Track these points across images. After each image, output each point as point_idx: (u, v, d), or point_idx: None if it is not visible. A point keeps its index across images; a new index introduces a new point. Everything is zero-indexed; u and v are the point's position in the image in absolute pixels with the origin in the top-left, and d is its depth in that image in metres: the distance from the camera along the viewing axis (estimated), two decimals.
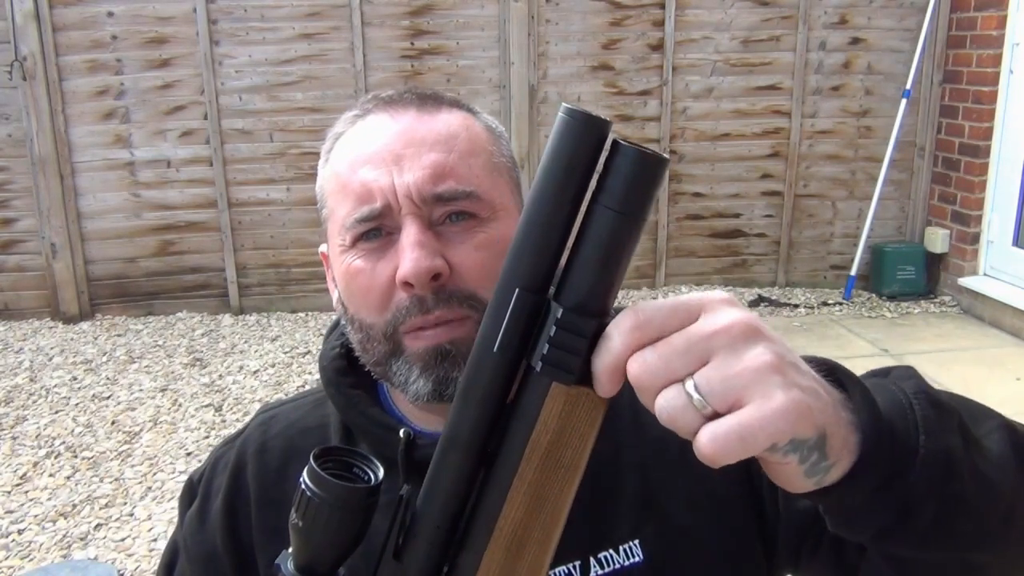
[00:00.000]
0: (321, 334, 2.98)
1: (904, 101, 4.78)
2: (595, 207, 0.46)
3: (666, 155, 0.45)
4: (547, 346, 0.46)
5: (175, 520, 2.99)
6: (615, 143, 0.46)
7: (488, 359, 0.49)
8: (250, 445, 0.84)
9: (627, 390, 0.78)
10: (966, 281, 4.70)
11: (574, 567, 0.71)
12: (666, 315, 0.46)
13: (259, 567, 0.79)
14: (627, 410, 0.75)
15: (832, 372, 0.51)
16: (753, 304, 4.86)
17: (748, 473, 0.73)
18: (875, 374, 0.57)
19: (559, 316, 0.46)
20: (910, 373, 0.54)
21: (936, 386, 0.54)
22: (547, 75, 4.77)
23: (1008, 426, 0.54)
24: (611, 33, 4.75)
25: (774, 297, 4.94)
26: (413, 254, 0.67)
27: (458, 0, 4.64)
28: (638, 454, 0.74)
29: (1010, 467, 0.52)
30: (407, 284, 0.68)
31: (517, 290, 0.47)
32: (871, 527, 0.50)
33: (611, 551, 0.72)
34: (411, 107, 0.74)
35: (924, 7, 4.72)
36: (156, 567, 2.71)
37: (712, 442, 0.43)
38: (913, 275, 4.87)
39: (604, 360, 0.46)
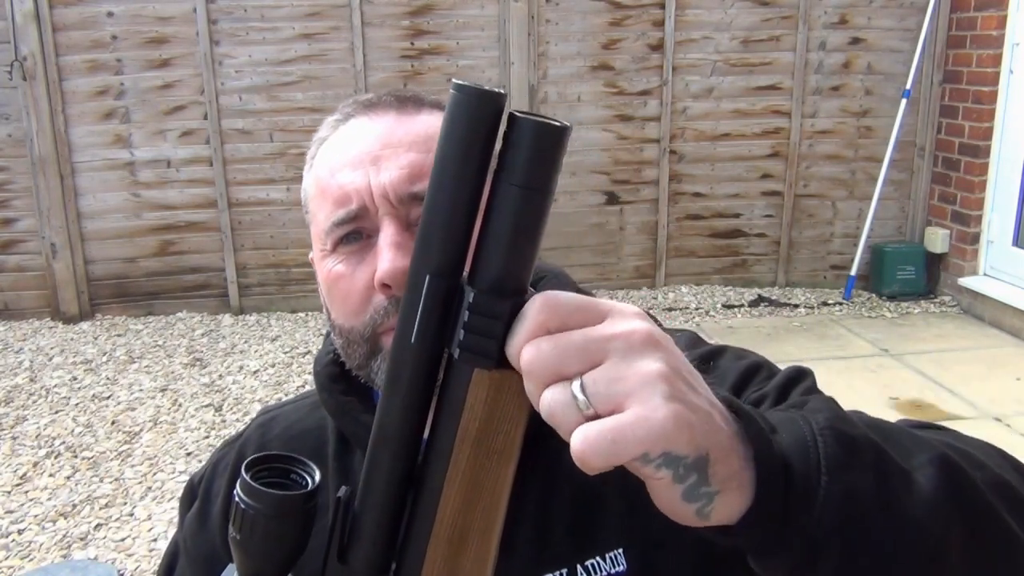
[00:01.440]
0: (321, 334, 2.99)
1: (904, 101, 4.78)
2: (499, 184, 0.44)
3: (567, 123, 0.44)
4: (462, 332, 0.45)
5: (175, 520, 2.98)
6: (512, 116, 0.44)
7: (407, 351, 0.47)
8: (249, 447, 0.84)
9: None
10: (966, 281, 4.70)
11: (561, 574, 0.70)
12: (573, 309, 0.45)
13: None
14: None
15: (731, 405, 0.48)
16: (753, 304, 4.86)
17: None
18: (792, 406, 0.55)
19: (471, 300, 0.45)
20: (824, 406, 0.52)
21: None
22: (547, 75, 4.77)
23: (944, 459, 0.52)
24: (611, 33, 4.75)
25: (774, 297, 4.94)
26: (390, 254, 0.67)
27: (458, 0, 4.64)
28: None
29: (942, 503, 0.49)
30: (385, 285, 0.68)
31: (428, 277, 0.46)
32: (780, 568, 0.48)
33: (598, 558, 0.71)
34: (390, 109, 0.74)
35: (924, 7, 4.72)
36: (156, 567, 2.71)
37: (583, 442, 0.42)
38: (913, 275, 4.87)
39: (512, 343, 0.45)
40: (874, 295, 4.96)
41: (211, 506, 0.83)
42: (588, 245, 4.95)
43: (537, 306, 0.45)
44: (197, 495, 0.86)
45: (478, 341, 0.45)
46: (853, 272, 4.92)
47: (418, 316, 0.46)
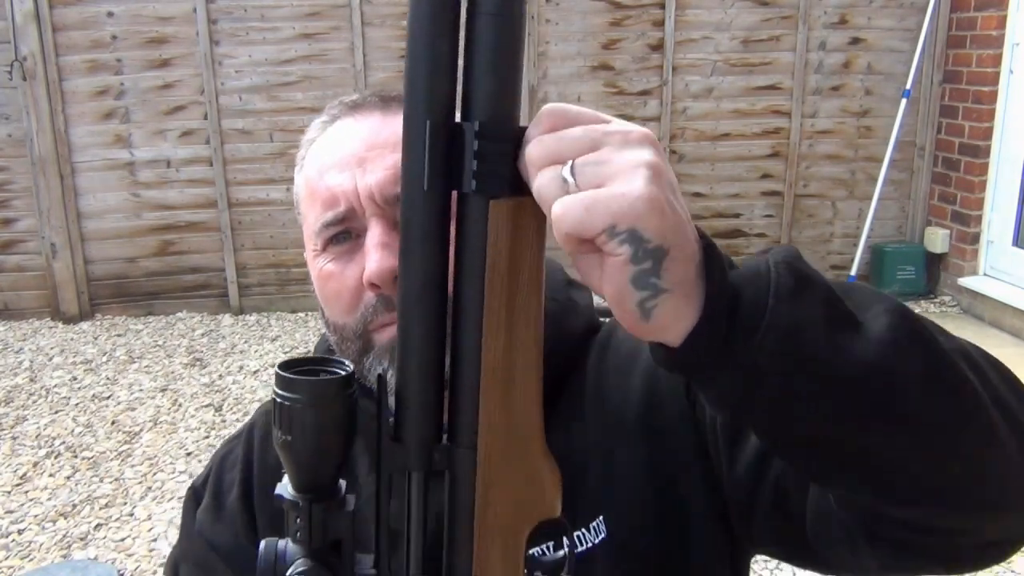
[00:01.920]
0: (321, 333, 3.00)
1: (904, 101, 4.78)
2: (474, 19, 0.46)
3: None
4: (475, 163, 0.46)
5: (175, 520, 2.95)
6: None
7: (420, 199, 0.48)
8: (255, 439, 0.86)
9: (592, 370, 0.74)
10: (966, 281, 4.70)
11: (547, 548, 0.71)
12: (578, 112, 0.47)
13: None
14: (590, 387, 0.76)
15: (701, 232, 0.49)
16: None
17: (702, 440, 0.72)
18: (757, 254, 0.56)
19: (477, 130, 0.46)
20: (787, 249, 0.51)
21: None
22: (547, 75, 4.77)
23: (899, 311, 0.50)
24: (611, 33, 4.75)
25: None
26: (377, 255, 0.69)
27: None
28: (600, 430, 0.75)
29: (890, 347, 0.48)
30: (373, 284, 0.70)
31: (428, 122, 0.46)
32: (727, 398, 0.49)
33: (583, 530, 0.72)
34: (375, 110, 0.75)
35: (924, 7, 4.72)
36: (156, 567, 2.71)
37: (560, 207, 0.44)
38: (913, 275, 4.87)
39: (523, 153, 0.47)
40: None
41: (224, 498, 0.84)
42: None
43: (547, 110, 0.47)
44: (203, 495, 0.87)
45: (492, 167, 0.46)
46: (853, 272, 4.92)
47: (426, 161, 0.47)
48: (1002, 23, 4.45)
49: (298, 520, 0.52)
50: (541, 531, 0.53)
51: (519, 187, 0.47)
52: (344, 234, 0.73)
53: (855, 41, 4.85)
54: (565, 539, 0.56)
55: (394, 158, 0.70)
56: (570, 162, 0.45)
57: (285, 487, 0.54)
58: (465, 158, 0.46)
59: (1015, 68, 4.45)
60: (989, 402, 0.51)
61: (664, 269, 0.45)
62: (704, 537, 0.72)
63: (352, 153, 0.72)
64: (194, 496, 0.88)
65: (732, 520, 0.72)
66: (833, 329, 0.47)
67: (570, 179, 0.45)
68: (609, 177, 0.44)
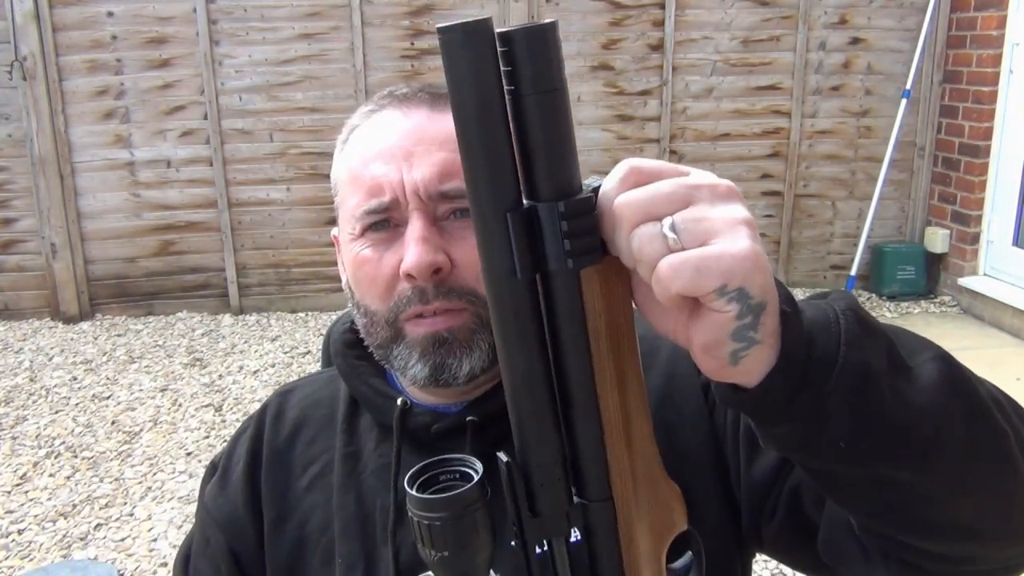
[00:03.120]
0: (321, 334, 2.99)
1: (904, 101, 4.78)
2: (520, 100, 0.46)
3: (550, 20, 0.47)
4: (567, 242, 0.47)
5: (175, 520, 2.95)
6: (502, 35, 0.46)
7: (512, 289, 0.48)
8: (268, 415, 0.89)
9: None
10: (966, 281, 4.70)
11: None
12: (658, 167, 0.48)
13: (264, 524, 0.83)
14: None
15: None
16: None
17: (717, 442, 0.75)
18: (815, 297, 0.58)
19: (562, 210, 0.46)
20: (845, 295, 0.55)
21: None
22: None
23: (944, 358, 0.55)
24: (611, 33, 4.75)
25: None
26: (417, 248, 0.71)
27: (458, 0, 4.64)
28: None
29: (939, 393, 0.52)
30: (410, 276, 0.71)
31: (508, 215, 0.47)
32: (791, 438, 0.51)
33: None
34: (423, 105, 0.77)
35: (924, 7, 4.72)
36: (156, 567, 2.70)
37: (669, 268, 0.44)
38: (913, 275, 4.87)
39: (605, 212, 0.47)
40: (874, 295, 4.95)
41: (231, 472, 0.87)
42: None
43: (627, 168, 0.48)
44: (218, 468, 0.89)
45: (583, 242, 0.47)
46: (853, 272, 4.92)
47: (514, 252, 0.47)
48: (1002, 23, 4.45)
49: None
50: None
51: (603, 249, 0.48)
52: (383, 222, 0.74)
53: (855, 41, 4.85)
54: (692, 545, 0.60)
55: (440, 156, 0.73)
56: (668, 219, 0.45)
57: None
58: (549, 239, 0.47)
59: (1015, 68, 4.45)
60: (1015, 444, 0.55)
61: (761, 323, 0.47)
62: (715, 531, 0.73)
63: (399, 145, 0.74)
64: (211, 470, 0.91)
65: (743, 518, 0.74)
66: (893, 376, 0.50)
67: (672, 236, 0.45)
68: (712, 234, 0.45)
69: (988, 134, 4.59)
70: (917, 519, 0.54)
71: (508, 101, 0.46)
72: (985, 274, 4.72)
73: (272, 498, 0.84)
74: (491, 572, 0.57)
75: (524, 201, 0.48)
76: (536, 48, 0.45)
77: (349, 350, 0.85)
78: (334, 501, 0.80)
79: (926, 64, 4.81)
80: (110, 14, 4.50)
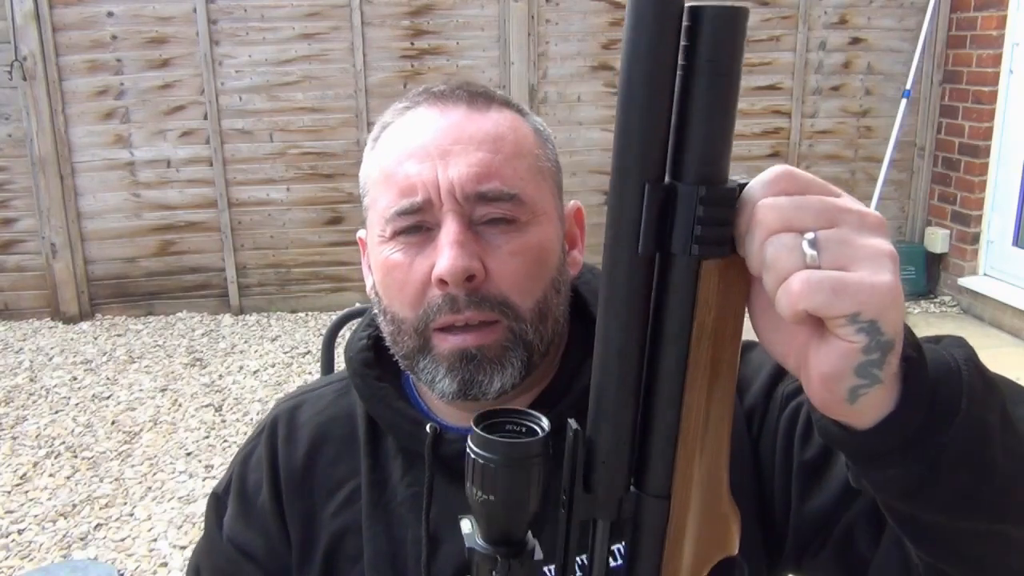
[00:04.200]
0: (321, 334, 2.98)
1: (904, 101, 4.78)
2: (691, 76, 0.45)
3: (743, 6, 0.45)
4: (699, 228, 0.45)
5: (175, 520, 2.94)
6: (691, 8, 0.45)
7: (630, 262, 0.47)
8: (279, 436, 0.84)
9: None
10: (966, 281, 4.70)
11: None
12: (811, 180, 0.46)
13: (292, 551, 0.80)
14: None
15: None
16: None
17: (759, 471, 0.73)
18: (928, 340, 0.57)
19: (703, 195, 0.45)
20: (961, 343, 0.53)
21: None
22: (547, 75, 4.77)
23: None
24: (611, 33, 4.75)
25: None
26: (451, 252, 0.67)
27: (458, 0, 4.64)
28: None
29: None
30: (442, 282, 0.68)
31: (647, 184, 0.45)
32: (897, 484, 0.49)
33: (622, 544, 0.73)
34: (461, 103, 0.74)
35: (924, 7, 4.72)
36: (156, 567, 2.70)
37: (804, 283, 0.42)
38: (913, 275, 4.87)
39: (745, 211, 0.45)
40: None
41: (253, 500, 0.83)
42: (589, 245, 4.94)
43: (778, 173, 0.46)
44: (227, 503, 0.85)
45: (714, 232, 0.45)
46: None
47: (642, 224, 0.46)
48: (1002, 23, 4.45)
49: (492, 573, 0.55)
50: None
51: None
52: (415, 227, 0.71)
53: (855, 41, 4.85)
54: (736, 573, 0.57)
55: (477, 156, 0.70)
56: (810, 234, 0.44)
57: (474, 537, 0.55)
58: (682, 222, 0.46)
59: (1015, 68, 4.45)
60: None
61: (887, 363, 0.44)
62: (747, 557, 0.73)
63: (435, 144, 0.71)
64: (217, 503, 0.86)
65: (786, 547, 0.72)
66: (1005, 432, 0.49)
67: (811, 251, 0.43)
68: (855, 260, 0.43)
69: (988, 134, 4.58)
70: (1000, 569, 0.53)
71: (679, 76, 0.45)
72: (985, 274, 4.72)
73: (299, 523, 0.80)
74: (529, 533, 0.56)
75: (667, 179, 0.46)
76: (721, 29, 0.44)
77: (369, 370, 0.80)
78: (364, 531, 0.77)
79: (926, 64, 4.81)
80: (110, 14, 4.50)
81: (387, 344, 0.77)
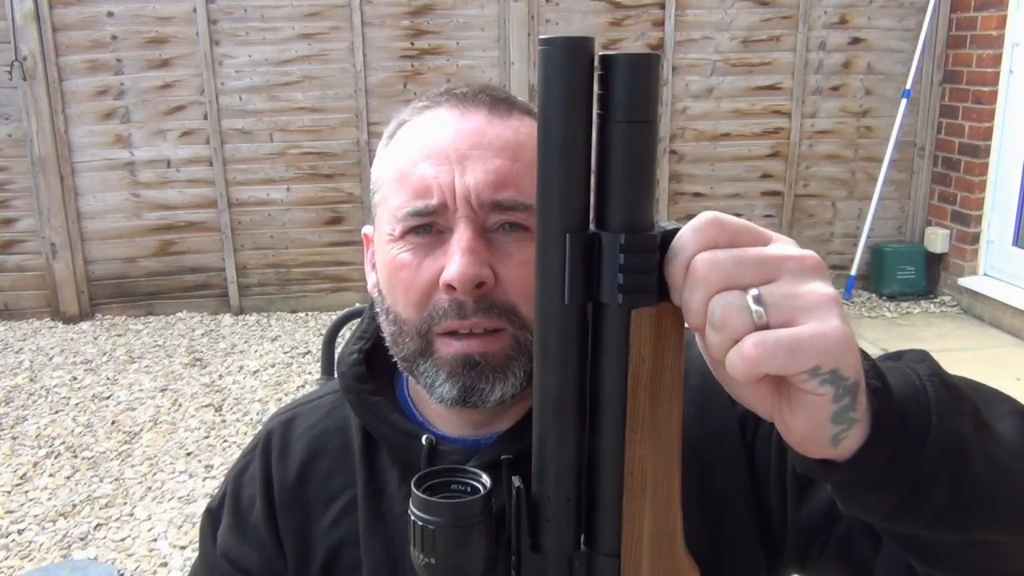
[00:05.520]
0: (321, 334, 2.99)
1: (904, 101, 4.78)
2: (608, 126, 0.45)
3: (655, 52, 0.45)
4: (621, 276, 0.45)
5: (175, 520, 2.95)
6: (603, 58, 0.45)
7: (558, 313, 0.47)
8: (273, 450, 0.83)
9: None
10: (966, 281, 4.70)
11: None
12: (741, 227, 0.46)
13: (288, 566, 0.80)
14: None
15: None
16: None
17: (754, 479, 0.73)
18: (888, 357, 0.57)
19: (623, 242, 0.45)
20: (923, 356, 0.54)
21: None
22: None
23: (1020, 412, 0.54)
24: (611, 33, 4.75)
25: None
26: (462, 259, 0.66)
27: (458, 0, 4.64)
28: None
29: (1022, 452, 0.52)
30: (450, 287, 0.67)
31: (568, 235, 0.45)
32: (881, 507, 0.50)
33: None
34: (483, 107, 0.73)
35: (924, 7, 4.72)
36: (156, 567, 2.70)
37: (758, 347, 0.42)
38: (913, 275, 4.87)
39: (677, 261, 0.45)
40: (874, 295, 4.95)
41: (246, 516, 0.82)
42: None
43: (708, 221, 0.45)
44: (221, 517, 0.85)
45: (639, 280, 0.45)
46: (853, 272, 4.92)
47: (567, 275, 0.46)
48: (1002, 23, 4.45)
49: None
50: None
51: (660, 292, 0.46)
52: (427, 227, 0.70)
53: (855, 41, 4.85)
54: None
55: (496, 163, 0.69)
56: (753, 290, 0.43)
57: None
58: (606, 271, 0.45)
59: (1015, 68, 4.45)
60: None
61: (857, 402, 0.45)
62: (744, 565, 0.73)
63: (454, 147, 0.70)
64: (211, 518, 0.86)
65: (786, 552, 0.72)
66: (981, 439, 0.50)
67: (757, 309, 0.43)
68: (802, 312, 0.43)
69: (988, 134, 4.59)
70: (996, 571, 0.54)
71: (596, 124, 0.45)
72: (985, 274, 4.72)
73: (293, 538, 0.79)
74: None
75: (592, 228, 0.46)
76: (635, 77, 0.44)
77: (362, 385, 0.79)
78: (361, 543, 0.76)
79: (926, 64, 4.81)
80: (110, 14, 4.50)
81: (387, 344, 0.76)
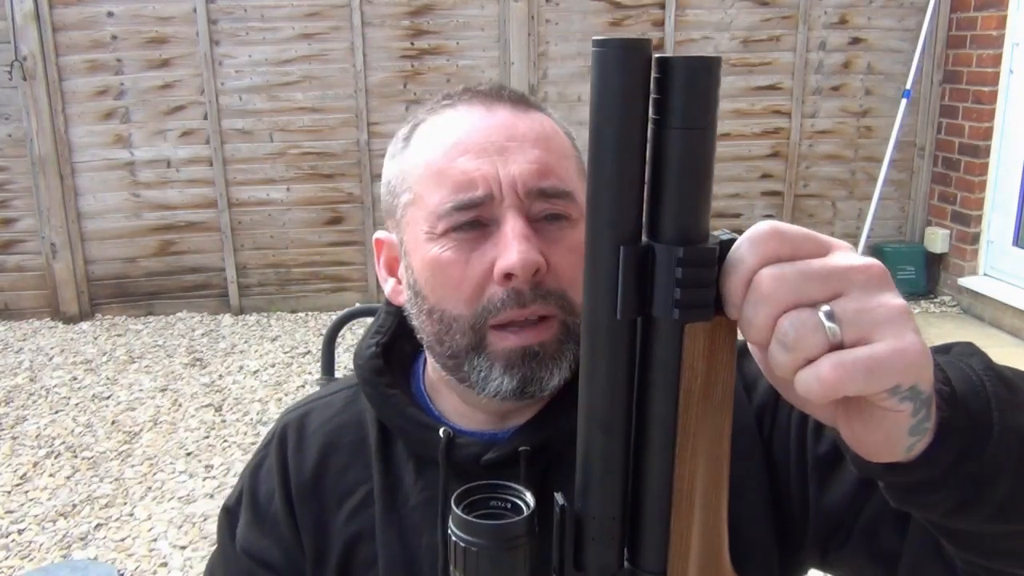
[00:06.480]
0: (321, 334, 2.99)
1: (904, 101, 4.78)
2: (664, 132, 0.43)
3: (715, 55, 0.43)
4: (677, 290, 0.43)
5: (175, 520, 2.95)
6: (660, 60, 0.43)
7: (609, 328, 0.45)
8: (289, 444, 0.84)
9: None
10: (966, 281, 4.70)
11: None
12: (803, 237, 0.44)
13: (307, 559, 0.80)
14: None
15: None
16: None
17: (773, 473, 0.73)
18: (937, 350, 0.55)
19: (680, 256, 0.42)
20: (972, 350, 0.53)
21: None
22: (547, 75, 4.77)
23: None
24: (611, 33, 4.75)
25: None
26: (520, 246, 0.67)
27: (458, 0, 4.64)
28: None
29: None
30: (507, 277, 0.67)
31: (622, 248, 0.43)
32: (943, 505, 0.49)
33: None
34: (506, 103, 0.74)
35: (924, 7, 4.72)
36: (156, 567, 2.70)
37: (836, 368, 0.40)
38: (913, 275, 4.87)
39: (737, 276, 0.43)
40: None
41: (265, 509, 0.82)
42: None
43: (768, 231, 0.43)
44: (239, 514, 0.85)
45: (695, 295, 0.43)
46: None
47: (619, 289, 0.44)
48: (1002, 23, 4.45)
49: None
50: None
51: (718, 307, 0.45)
52: (471, 223, 0.70)
53: (855, 41, 4.85)
54: None
55: (535, 153, 0.70)
56: (825, 307, 0.41)
57: None
58: (661, 284, 0.43)
59: (1015, 68, 4.45)
60: None
61: (932, 413, 0.45)
62: (760, 558, 0.72)
63: (490, 140, 0.70)
64: (228, 516, 0.86)
65: (808, 541, 0.72)
66: None
67: (829, 323, 0.41)
68: (877, 327, 0.41)
69: (988, 134, 4.59)
70: None
71: (651, 130, 0.43)
72: (985, 274, 4.72)
73: (311, 530, 0.80)
74: None
75: (643, 239, 0.44)
76: (693, 81, 0.42)
77: (379, 378, 0.79)
78: (377, 537, 0.76)
79: (926, 64, 4.81)
80: (110, 14, 4.50)
81: (426, 345, 0.75)
